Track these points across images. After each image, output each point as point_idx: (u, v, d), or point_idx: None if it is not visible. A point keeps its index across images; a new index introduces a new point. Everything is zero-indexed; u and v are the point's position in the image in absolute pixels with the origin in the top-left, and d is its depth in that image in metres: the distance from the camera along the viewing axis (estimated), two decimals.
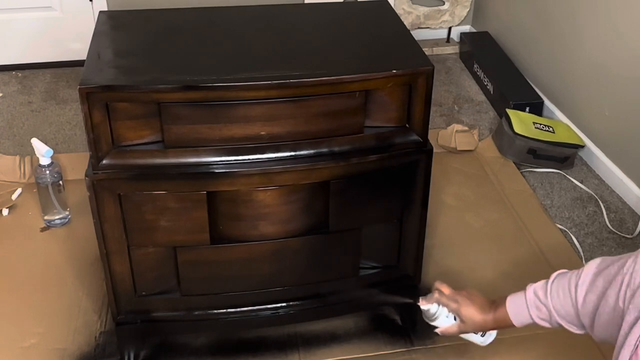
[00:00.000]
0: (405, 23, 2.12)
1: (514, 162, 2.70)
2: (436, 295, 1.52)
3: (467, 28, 3.66)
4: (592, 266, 1.30)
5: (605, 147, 2.65)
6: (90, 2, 3.19)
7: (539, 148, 2.65)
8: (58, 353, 1.88)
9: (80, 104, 1.47)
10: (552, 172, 2.68)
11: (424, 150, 1.68)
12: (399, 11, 3.45)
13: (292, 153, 1.59)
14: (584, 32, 2.70)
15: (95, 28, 1.74)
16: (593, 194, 2.56)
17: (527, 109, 2.89)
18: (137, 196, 1.59)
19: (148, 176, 1.56)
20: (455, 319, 1.51)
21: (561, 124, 2.82)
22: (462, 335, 1.56)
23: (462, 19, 3.62)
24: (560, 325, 1.37)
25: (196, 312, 1.78)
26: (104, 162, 1.54)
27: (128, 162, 1.55)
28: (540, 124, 2.74)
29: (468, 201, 2.49)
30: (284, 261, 1.74)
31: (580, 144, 2.71)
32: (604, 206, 2.50)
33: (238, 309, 1.80)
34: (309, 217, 1.70)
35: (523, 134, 2.65)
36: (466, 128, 2.84)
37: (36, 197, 2.34)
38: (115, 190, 1.57)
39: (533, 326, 1.40)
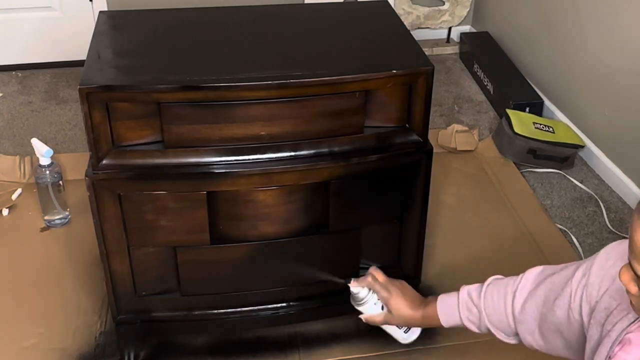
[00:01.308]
0: (405, 23, 2.12)
1: (514, 162, 2.70)
2: (369, 279, 1.48)
3: (467, 28, 3.66)
4: (532, 274, 1.28)
5: (605, 147, 2.65)
6: (90, 2, 3.19)
7: (539, 148, 2.65)
8: (58, 353, 1.88)
9: (80, 104, 1.47)
10: (552, 172, 2.68)
11: (424, 150, 1.68)
12: (399, 11, 3.45)
13: (292, 153, 1.59)
14: (584, 32, 2.70)
15: (95, 28, 1.74)
16: (593, 194, 2.56)
17: (527, 109, 2.89)
18: (137, 196, 1.59)
19: (148, 176, 1.56)
20: (382, 308, 1.48)
21: (561, 124, 2.82)
22: (385, 327, 1.52)
23: (462, 19, 3.62)
24: (489, 330, 1.34)
25: (196, 312, 1.78)
26: (104, 162, 1.54)
27: (128, 162, 1.55)
28: (540, 124, 2.74)
29: (468, 201, 2.49)
30: (284, 261, 1.74)
31: (580, 144, 2.71)
32: (604, 206, 2.50)
33: (238, 309, 1.80)
34: (309, 217, 1.69)
35: (523, 134, 2.65)
36: (466, 128, 2.84)
37: (36, 197, 2.34)
38: (115, 190, 1.57)
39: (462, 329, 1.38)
